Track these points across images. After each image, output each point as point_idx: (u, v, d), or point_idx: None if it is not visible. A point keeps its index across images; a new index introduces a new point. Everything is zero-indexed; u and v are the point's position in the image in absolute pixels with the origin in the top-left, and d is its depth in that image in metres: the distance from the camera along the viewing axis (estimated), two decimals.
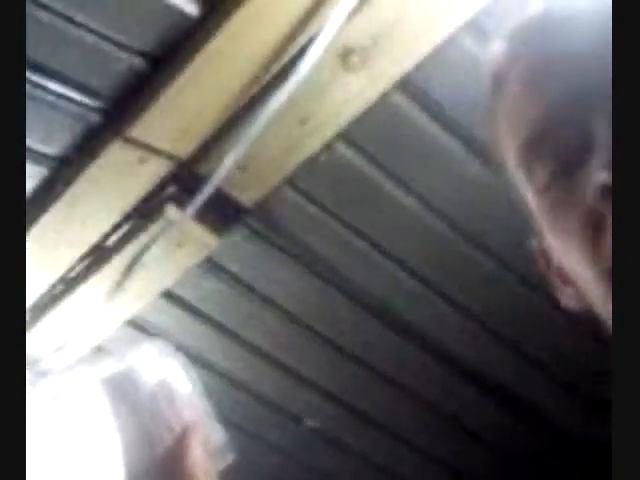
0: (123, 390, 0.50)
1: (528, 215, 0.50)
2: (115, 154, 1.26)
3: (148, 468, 0.48)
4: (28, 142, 1.26)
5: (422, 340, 1.71)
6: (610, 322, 0.43)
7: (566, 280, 0.50)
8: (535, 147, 0.46)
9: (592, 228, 0.43)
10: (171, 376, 0.52)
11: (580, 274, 0.46)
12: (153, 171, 1.31)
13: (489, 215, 1.45)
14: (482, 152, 1.32)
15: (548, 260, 0.53)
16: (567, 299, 0.52)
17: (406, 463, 2.02)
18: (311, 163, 1.29)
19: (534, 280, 1.52)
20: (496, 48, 0.50)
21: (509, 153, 0.49)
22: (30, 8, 1.09)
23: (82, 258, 1.49)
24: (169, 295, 1.60)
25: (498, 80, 0.49)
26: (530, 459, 2.00)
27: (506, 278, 1.56)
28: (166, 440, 0.49)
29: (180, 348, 1.72)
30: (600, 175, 0.41)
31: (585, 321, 0.51)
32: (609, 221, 0.40)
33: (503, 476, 2.03)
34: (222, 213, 1.39)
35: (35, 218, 1.39)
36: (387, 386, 1.81)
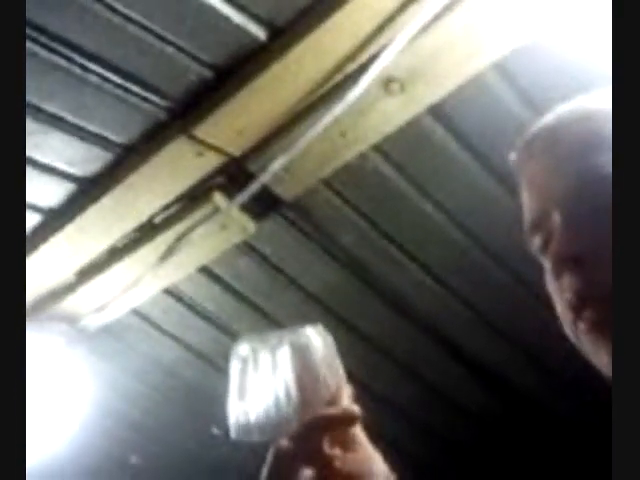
0: (301, 352, 0.72)
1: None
2: (177, 146, 1.45)
3: (317, 404, 0.70)
4: (105, 132, 1.45)
5: (423, 322, 1.92)
6: None
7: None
8: (534, 225, 0.69)
9: (556, 278, 0.66)
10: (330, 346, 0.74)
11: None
12: (207, 163, 1.49)
13: (495, 222, 1.64)
14: (495, 170, 1.52)
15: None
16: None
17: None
18: (346, 169, 1.48)
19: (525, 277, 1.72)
20: (518, 148, 0.70)
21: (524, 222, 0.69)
22: (118, 19, 1.27)
23: (133, 231, 1.68)
24: (207, 271, 1.80)
25: (517, 172, 0.69)
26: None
27: (501, 274, 1.77)
28: (330, 387, 0.71)
29: (210, 317, 1.94)
30: (555, 248, 0.64)
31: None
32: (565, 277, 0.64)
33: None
34: (263, 204, 1.58)
35: (97, 197, 1.58)
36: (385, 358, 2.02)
